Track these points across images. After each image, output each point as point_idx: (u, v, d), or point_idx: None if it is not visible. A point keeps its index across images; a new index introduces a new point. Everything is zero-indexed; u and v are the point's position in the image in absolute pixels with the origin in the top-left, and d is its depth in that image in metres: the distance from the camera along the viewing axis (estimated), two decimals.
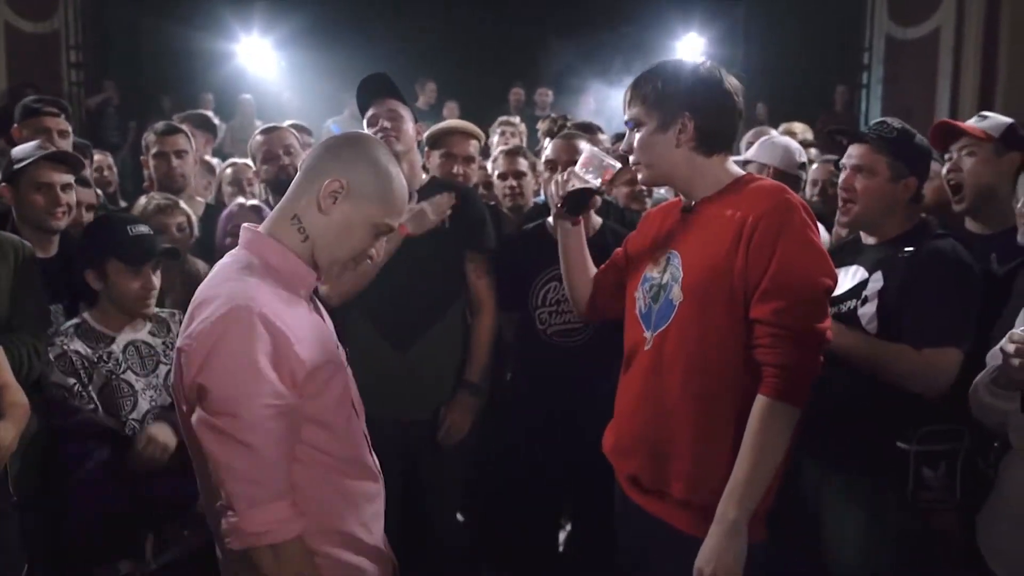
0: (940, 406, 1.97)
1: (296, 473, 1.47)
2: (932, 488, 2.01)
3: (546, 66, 8.57)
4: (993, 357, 1.75)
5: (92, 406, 2.17)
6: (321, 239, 1.54)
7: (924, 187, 2.19)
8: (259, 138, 3.16)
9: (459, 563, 2.74)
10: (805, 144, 3.82)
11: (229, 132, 7.58)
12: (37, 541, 2.17)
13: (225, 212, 2.93)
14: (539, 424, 2.59)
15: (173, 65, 9.42)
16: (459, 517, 3.00)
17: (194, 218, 2.89)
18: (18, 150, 2.52)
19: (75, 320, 2.28)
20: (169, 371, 2.30)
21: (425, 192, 2.51)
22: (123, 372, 2.23)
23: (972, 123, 2.35)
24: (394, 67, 2.73)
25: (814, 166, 3.50)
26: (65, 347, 2.19)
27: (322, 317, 1.64)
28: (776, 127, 4.62)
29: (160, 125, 3.48)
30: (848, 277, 2.10)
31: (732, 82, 1.76)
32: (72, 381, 2.17)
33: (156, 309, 2.40)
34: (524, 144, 4.04)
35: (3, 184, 2.49)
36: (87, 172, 3.09)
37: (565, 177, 1.94)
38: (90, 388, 2.18)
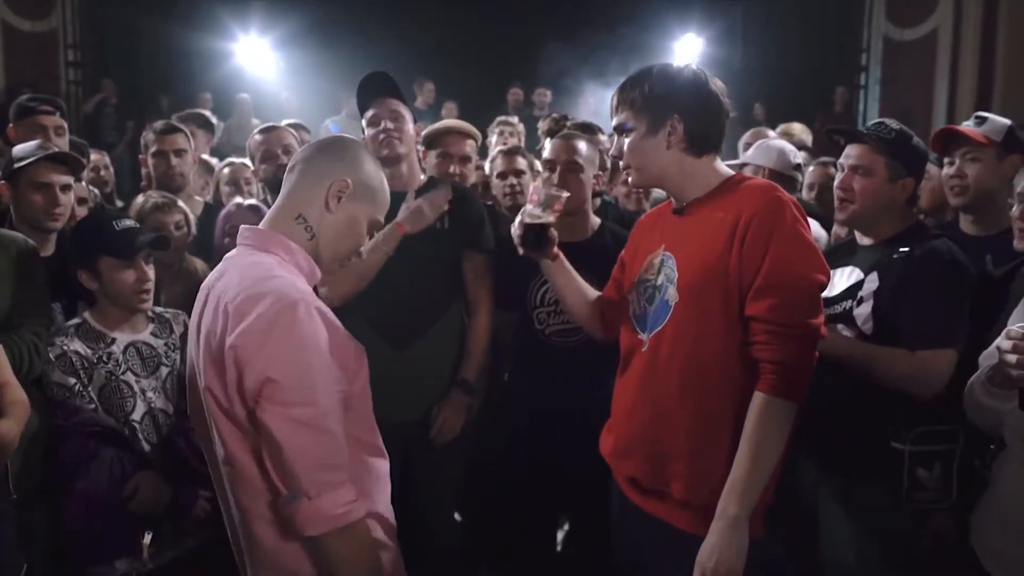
0: (935, 407, 1.97)
1: None
2: (927, 488, 2.02)
3: (544, 66, 8.56)
4: (987, 357, 1.76)
5: (93, 406, 2.17)
6: (327, 237, 1.61)
7: (920, 188, 2.20)
8: (257, 137, 3.16)
9: (457, 562, 2.74)
10: (801, 147, 3.82)
11: (226, 132, 7.58)
12: (36, 540, 2.17)
13: (223, 212, 2.92)
14: (537, 424, 2.59)
15: (171, 64, 9.43)
16: (457, 517, 3.01)
17: (192, 217, 2.88)
18: (19, 149, 2.52)
19: (75, 320, 2.28)
20: (170, 373, 2.31)
21: (423, 192, 2.50)
22: (123, 373, 2.23)
23: (971, 126, 2.36)
24: (393, 67, 2.71)
25: (810, 168, 3.51)
26: (65, 347, 2.19)
27: None
28: (774, 128, 4.62)
29: (160, 124, 3.47)
30: (843, 278, 2.11)
31: (717, 84, 1.79)
32: (72, 381, 2.17)
33: (160, 309, 2.41)
34: (522, 144, 4.05)
35: (2, 183, 2.49)
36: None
37: (519, 218, 1.97)
38: (90, 388, 2.18)
